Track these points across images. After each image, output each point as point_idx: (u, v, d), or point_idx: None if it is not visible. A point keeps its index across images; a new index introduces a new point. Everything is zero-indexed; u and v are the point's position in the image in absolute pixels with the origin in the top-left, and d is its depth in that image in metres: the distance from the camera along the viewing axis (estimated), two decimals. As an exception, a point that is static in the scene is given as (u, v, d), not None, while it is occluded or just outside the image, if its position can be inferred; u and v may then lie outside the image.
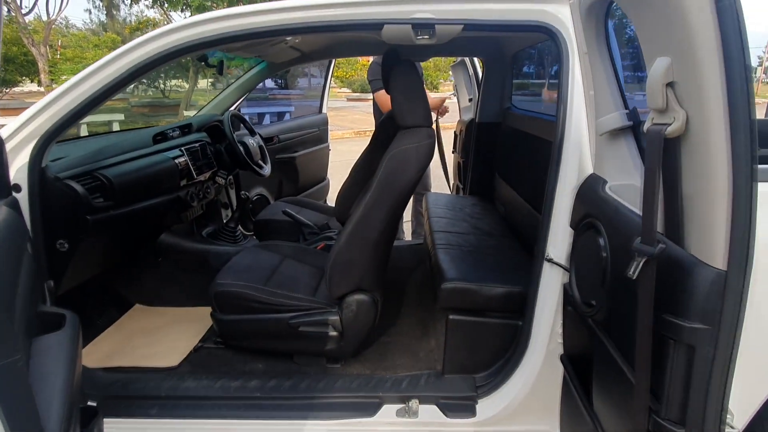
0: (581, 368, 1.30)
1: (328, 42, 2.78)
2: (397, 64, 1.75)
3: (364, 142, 2.47)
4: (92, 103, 1.51)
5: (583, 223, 1.24)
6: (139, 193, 1.99)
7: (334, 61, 4.08)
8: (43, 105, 1.47)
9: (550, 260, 1.54)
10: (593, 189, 1.24)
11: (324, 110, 4.18)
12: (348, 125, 12.40)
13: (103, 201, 1.80)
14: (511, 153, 2.72)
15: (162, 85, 15.32)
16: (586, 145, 1.45)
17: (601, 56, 1.31)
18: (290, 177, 3.74)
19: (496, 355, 1.78)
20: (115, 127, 10.94)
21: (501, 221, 2.63)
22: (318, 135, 4.00)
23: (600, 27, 1.31)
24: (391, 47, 2.34)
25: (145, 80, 15.21)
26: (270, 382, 1.80)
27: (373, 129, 2.59)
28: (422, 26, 1.47)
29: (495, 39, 2.73)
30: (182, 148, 2.27)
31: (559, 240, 1.52)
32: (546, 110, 2.35)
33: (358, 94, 20.33)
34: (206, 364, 1.92)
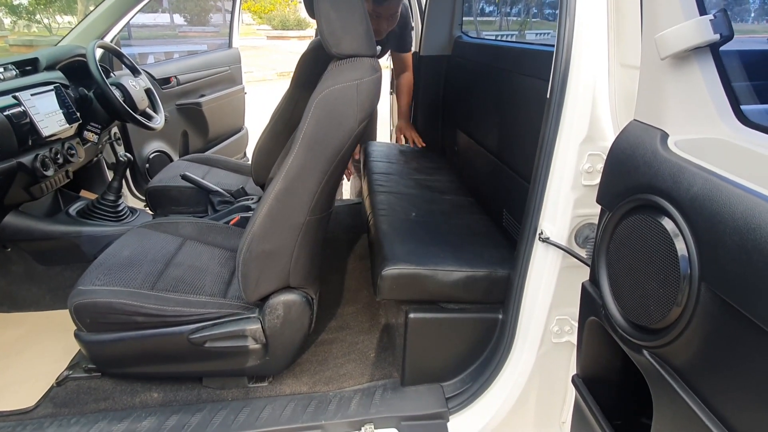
0: (609, 398, 0.93)
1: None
2: None
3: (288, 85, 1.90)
4: None
5: (632, 201, 0.74)
6: None
7: (243, -19, 3.33)
8: None
9: (545, 240, 1.14)
10: (645, 146, 0.74)
11: (234, 44, 3.46)
12: (270, 66, 11.25)
13: None
14: (463, 92, 2.26)
15: (48, 20, 13.16)
16: (602, 79, 1.01)
17: None
18: (198, 127, 3.06)
19: (469, 357, 1.40)
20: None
21: (456, 176, 2.20)
22: (229, 75, 3.32)
23: None
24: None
25: (25, 14, 13.05)
26: (170, 419, 1.31)
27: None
28: None
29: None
30: (16, 94, 1.58)
31: (558, 213, 1.11)
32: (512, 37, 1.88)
33: (279, 31, 18.50)
34: (75, 402, 1.37)
